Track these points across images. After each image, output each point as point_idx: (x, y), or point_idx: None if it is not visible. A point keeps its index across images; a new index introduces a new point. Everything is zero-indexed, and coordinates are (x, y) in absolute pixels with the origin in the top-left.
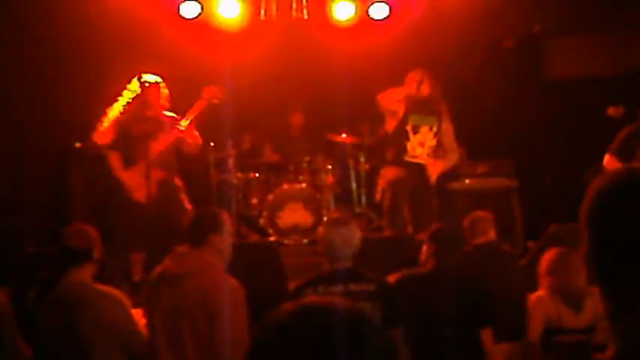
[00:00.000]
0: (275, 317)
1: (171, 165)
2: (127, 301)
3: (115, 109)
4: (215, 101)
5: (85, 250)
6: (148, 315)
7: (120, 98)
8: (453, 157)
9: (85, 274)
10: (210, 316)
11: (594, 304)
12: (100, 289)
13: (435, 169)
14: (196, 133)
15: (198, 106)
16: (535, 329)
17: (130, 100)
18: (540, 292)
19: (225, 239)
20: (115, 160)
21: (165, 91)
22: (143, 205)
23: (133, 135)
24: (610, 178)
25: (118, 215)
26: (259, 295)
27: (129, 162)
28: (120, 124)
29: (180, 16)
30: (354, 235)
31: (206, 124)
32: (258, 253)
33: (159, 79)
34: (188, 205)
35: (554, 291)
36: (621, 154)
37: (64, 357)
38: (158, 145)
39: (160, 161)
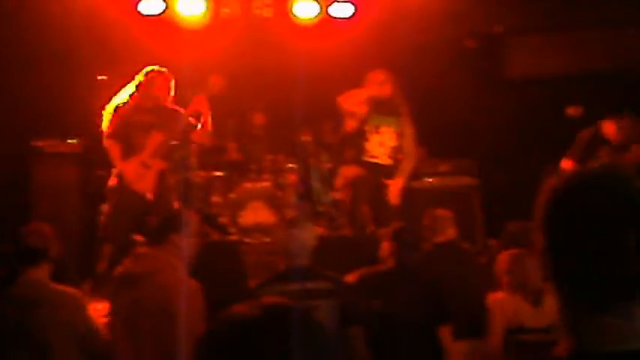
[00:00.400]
0: (228, 315)
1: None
2: (84, 299)
3: (118, 100)
4: (217, 91)
5: (42, 249)
6: (109, 314)
7: (124, 88)
8: (410, 160)
9: (42, 273)
10: (169, 317)
11: (553, 302)
12: (57, 288)
13: (395, 187)
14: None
15: (201, 99)
16: (496, 329)
17: (134, 90)
18: (500, 292)
19: (188, 239)
20: (115, 150)
21: (171, 82)
22: (142, 196)
23: (133, 125)
24: (564, 179)
25: (116, 205)
26: (220, 294)
27: (129, 152)
28: (121, 114)
29: (140, 13)
30: (310, 233)
31: None
32: (219, 251)
33: (163, 69)
34: (176, 204)
35: (513, 290)
36: (580, 158)
37: (20, 357)
38: (160, 136)
39: (161, 152)
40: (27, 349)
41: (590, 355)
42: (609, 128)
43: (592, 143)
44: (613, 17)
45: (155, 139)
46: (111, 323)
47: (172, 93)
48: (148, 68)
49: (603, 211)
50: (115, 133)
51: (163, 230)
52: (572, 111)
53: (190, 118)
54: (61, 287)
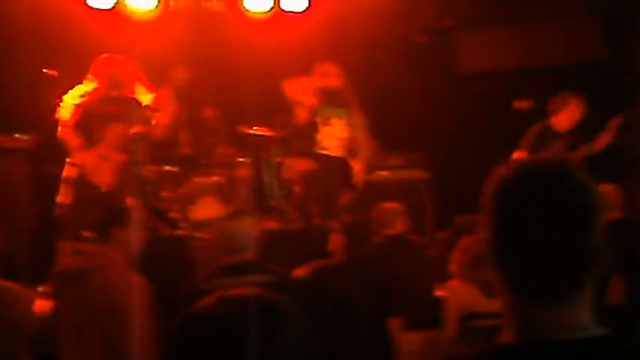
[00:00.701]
0: (193, 309)
1: (137, 151)
2: (28, 295)
3: (81, 89)
4: (180, 84)
5: None
6: (54, 312)
7: (87, 78)
8: (366, 151)
9: None
10: (113, 313)
11: None
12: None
13: (355, 167)
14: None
15: (168, 89)
16: (451, 318)
17: (99, 79)
18: (453, 281)
19: (132, 234)
20: (74, 141)
21: (135, 72)
22: (98, 189)
23: (94, 116)
24: (512, 168)
25: (72, 198)
26: (168, 290)
27: (88, 143)
28: (85, 104)
29: (89, 6)
30: (251, 227)
31: None
32: (168, 247)
33: (127, 59)
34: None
35: (466, 278)
36: (531, 152)
37: None
38: (120, 127)
39: (120, 144)
40: None
41: (532, 344)
42: (561, 122)
43: (543, 136)
44: (562, 10)
45: (115, 130)
46: (55, 320)
47: (139, 80)
48: (110, 56)
49: (550, 201)
50: (76, 124)
51: (107, 225)
52: (520, 104)
53: (147, 111)
54: (2, 283)
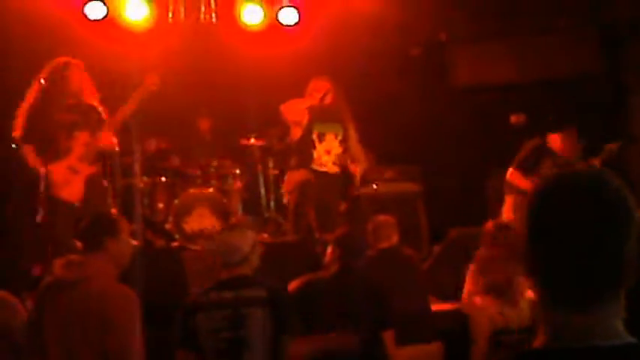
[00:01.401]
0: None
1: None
2: (16, 302)
3: (30, 99)
4: (153, 88)
5: None
6: (39, 323)
7: (33, 86)
8: (360, 164)
9: None
10: (102, 325)
11: (530, 301)
12: None
13: (350, 179)
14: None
15: (138, 94)
16: (480, 334)
17: (47, 87)
18: (477, 298)
19: (122, 245)
20: (29, 153)
21: (87, 77)
22: (70, 204)
23: (53, 125)
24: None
25: (37, 214)
26: (160, 301)
27: (51, 156)
28: (35, 113)
29: (86, 16)
30: (246, 240)
31: None
32: (161, 258)
33: (79, 63)
34: (114, 209)
35: (490, 292)
36: (525, 168)
37: None
38: (86, 136)
39: (89, 155)
40: None
41: (564, 349)
42: (555, 141)
43: (537, 154)
44: (558, 24)
45: (81, 140)
46: (42, 332)
47: (89, 84)
48: (59, 61)
49: (587, 209)
50: (29, 136)
51: (95, 236)
52: (515, 119)
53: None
54: None
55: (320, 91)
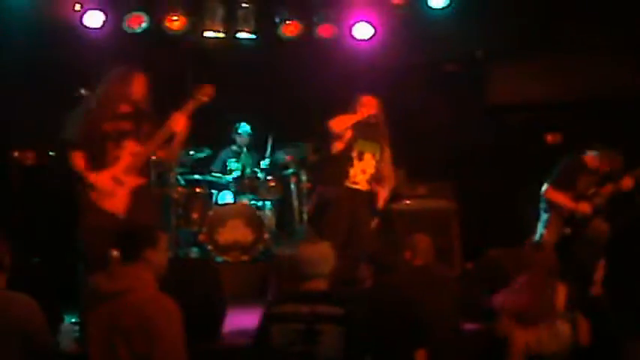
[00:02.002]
0: None
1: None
2: (38, 308)
3: (88, 106)
4: (205, 99)
5: None
6: (85, 334)
7: (95, 93)
8: (389, 184)
9: None
10: (147, 336)
11: (567, 327)
12: (10, 293)
13: (381, 196)
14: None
15: (189, 106)
16: (516, 357)
17: (103, 94)
18: (514, 318)
19: (161, 255)
20: (79, 159)
21: (146, 81)
22: (112, 216)
23: (104, 134)
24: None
25: (81, 224)
26: (196, 312)
27: (98, 164)
28: (89, 120)
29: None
30: (325, 255)
31: None
32: (197, 269)
33: (139, 71)
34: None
35: (529, 317)
36: (562, 186)
37: None
38: (135, 146)
39: (136, 166)
40: None
41: None
42: (592, 161)
43: (574, 170)
44: (595, 44)
45: (130, 150)
46: (87, 344)
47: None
48: (119, 69)
49: None
50: (83, 143)
51: (134, 246)
52: (550, 138)
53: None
54: (15, 293)
55: (367, 107)
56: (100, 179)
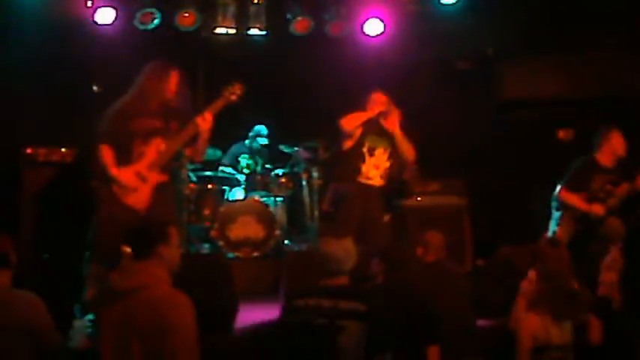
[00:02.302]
0: None
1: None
2: (45, 307)
3: (122, 101)
4: (233, 98)
5: (2, 256)
6: (98, 331)
7: (130, 89)
8: (410, 160)
9: (3, 278)
10: (161, 332)
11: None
12: (16, 292)
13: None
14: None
15: (217, 105)
16: (523, 350)
17: (140, 90)
18: (524, 312)
19: (173, 251)
20: (107, 154)
21: (181, 78)
22: (134, 212)
23: (133, 130)
24: None
25: (97, 214)
26: (208, 308)
27: (123, 159)
28: (121, 115)
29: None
30: (349, 251)
31: None
32: (208, 265)
33: (173, 67)
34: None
35: (539, 308)
36: (575, 187)
37: None
38: (161, 144)
39: (161, 162)
40: None
41: None
42: (617, 140)
43: (588, 170)
44: (608, 42)
45: (156, 147)
46: (100, 341)
47: (183, 91)
48: (156, 65)
49: None
50: (113, 138)
51: (147, 242)
52: (563, 134)
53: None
54: (21, 291)
55: (379, 104)
56: (124, 174)
